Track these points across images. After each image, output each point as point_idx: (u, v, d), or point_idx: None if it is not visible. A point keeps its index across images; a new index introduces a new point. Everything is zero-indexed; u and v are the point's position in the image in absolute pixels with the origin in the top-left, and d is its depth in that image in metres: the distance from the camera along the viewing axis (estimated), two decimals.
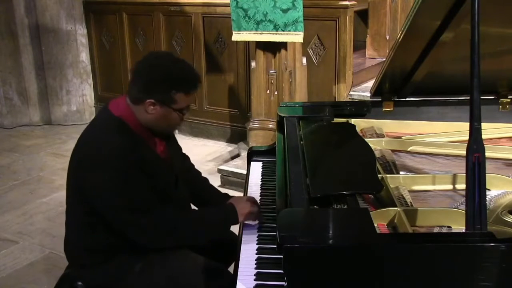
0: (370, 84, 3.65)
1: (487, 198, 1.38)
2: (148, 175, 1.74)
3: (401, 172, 1.87)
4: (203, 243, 1.90)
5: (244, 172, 2.45)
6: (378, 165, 1.82)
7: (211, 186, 2.16)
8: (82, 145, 1.79)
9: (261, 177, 2.20)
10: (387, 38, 5.30)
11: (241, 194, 2.20)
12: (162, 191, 1.81)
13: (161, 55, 1.89)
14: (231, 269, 1.79)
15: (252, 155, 2.36)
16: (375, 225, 1.35)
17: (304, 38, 3.73)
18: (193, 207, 2.07)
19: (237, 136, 4.89)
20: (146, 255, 1.80)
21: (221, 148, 4.97)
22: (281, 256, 1.21)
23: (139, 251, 1.80)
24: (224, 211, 1.85)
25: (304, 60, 4.04)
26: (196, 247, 1.89)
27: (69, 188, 1.85)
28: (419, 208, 1.55)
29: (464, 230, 1.28)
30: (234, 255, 1.69)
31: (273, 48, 3.90)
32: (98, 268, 1.81)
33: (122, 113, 1.77)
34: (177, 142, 2.04)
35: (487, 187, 1.33)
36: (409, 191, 1.72)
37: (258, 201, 1.94)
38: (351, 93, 4.38)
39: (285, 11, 3.63)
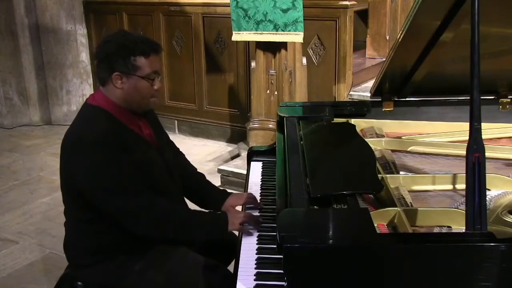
0: (370, 84, 3.65)
1: (487, 198, 1.38)
2: (135, 157, 1.75)
3: (401, 172, 1.87)
4: (186, 241, 1.89)
5: (244, 172, 2.45)
6: (378, 165, 1.82)
7: (208, 182, 2.14)
8: (65, 139, 1.81)
9: (261, 177, 2.20)
10: (387, 38, 5.30)
11: None
12: (155, 178, 1.82)
13: (111, 33, 1.92)
14: (231, 269, 1.79)
15: (252, 155, 2.36)
16: (375, 225, 1.35)
17: (304, 38, 3.73)
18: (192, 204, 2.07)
19: (237, 136, 4.88)
20: (145, 255, 1.80)
21: (221, 148, 4.97)
22: (281, 256, 1.21)
23: (138, 251, 1.81)
24: (214, 217, 1.86)
25: (304, 60, 4.04)
26: (195, 246, 1.89)
27: (62, 187, 1.86)
28: (419, 208, 1.55)
29: (464, 230, 1.28)
30: (234, 255, 1.69)
31: (273, 48, 3.90)
32: (98, 268, 1.81)
33: (100, 102, 1.81)
34: (163, 129, 2.04)
35: (487, 187, 1.33)
36: (409, 191, 1.72)
37: (258, 201, 1.95)
38: (351, 93, 4.37)
39: (285, 11, 3.63)
